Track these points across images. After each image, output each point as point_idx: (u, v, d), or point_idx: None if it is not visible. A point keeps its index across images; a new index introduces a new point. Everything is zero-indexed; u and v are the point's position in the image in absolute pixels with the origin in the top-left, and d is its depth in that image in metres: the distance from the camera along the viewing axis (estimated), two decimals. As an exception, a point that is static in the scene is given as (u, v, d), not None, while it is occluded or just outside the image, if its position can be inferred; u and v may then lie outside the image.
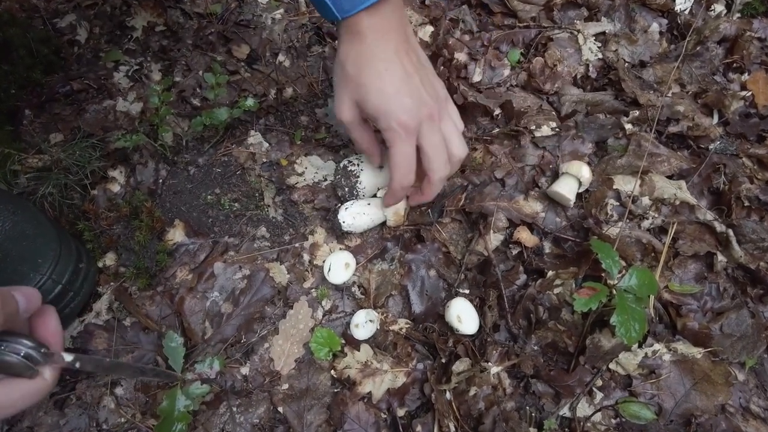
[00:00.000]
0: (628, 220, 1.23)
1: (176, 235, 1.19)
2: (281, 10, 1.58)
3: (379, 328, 1.10)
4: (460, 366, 1.04)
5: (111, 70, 1.41)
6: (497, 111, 1.40)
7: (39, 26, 1.45)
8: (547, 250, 1.21)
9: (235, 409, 1.02)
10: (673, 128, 1.39)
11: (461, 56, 1.49)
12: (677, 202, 1.26)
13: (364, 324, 1.08)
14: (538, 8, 1.59)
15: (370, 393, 1.04)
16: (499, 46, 1.52)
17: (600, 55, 1.52)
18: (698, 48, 1.50)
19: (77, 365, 0.62)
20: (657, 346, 1.12)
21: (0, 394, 0.57)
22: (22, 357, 0.57)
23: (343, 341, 1.09)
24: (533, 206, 1.24)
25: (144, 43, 1.47)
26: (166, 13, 1.51)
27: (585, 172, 1.21)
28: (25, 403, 0.59)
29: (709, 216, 1.25)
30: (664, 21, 1.60)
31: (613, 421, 1.06)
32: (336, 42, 1.49)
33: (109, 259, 1.16)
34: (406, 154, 0.94)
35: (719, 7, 1.67)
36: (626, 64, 1.52)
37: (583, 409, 1.07)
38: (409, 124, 0.90)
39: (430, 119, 0.93)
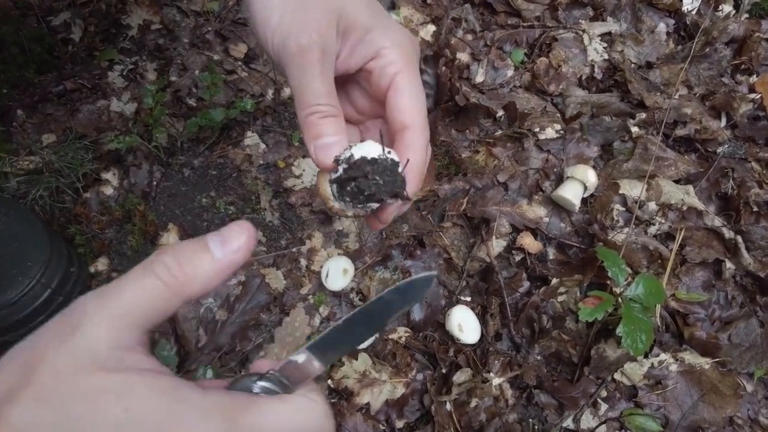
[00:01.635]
0: (634, 226, 1.20)
1: (170, 239, 1.16)
2: (280, 9, 1.55)
3: (378, 336, 1.07)
4: (461, 376, 1.01)
5: (105, 70, 1.38)
6: (500, 112, 1.37)
7: (32, 24, 1.42)
8: (551, 257, 1.18)
9: (229, 419, 0.99)
10: (680, 131, 1.36)
11: (464, 56, 1.45)
12: (684, 208, 1.23)
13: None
14: (543, 7, 1.56)
15: (368, 404, 1.01)
16: (503, 46, 1.49)
17: (605, 56, 1.49)
18: (707, 49, 1.47)
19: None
20: (663, 356, 1.09)
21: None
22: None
23: (341, 350, 1.06)
24: (537, 211, 1.21)
25: (139, 41, 1.44)
26: (162, 11, 1.47)
27: (591, 176, 1.18)
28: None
29: (717, 222, 1.22)
30: (671, 21, 1.57)
31: (619, 433, 1.03)
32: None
33: (101, 264, 1.13)
34: (421, 86, 0.54)
35: (727, 8, 1.63)
36: (632, 65, 1.48)
37: (588, 420, 1.04)
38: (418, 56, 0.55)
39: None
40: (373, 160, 0.44)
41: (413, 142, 0.49)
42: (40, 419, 0.29)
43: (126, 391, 0.31)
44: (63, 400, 0.30)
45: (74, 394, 0.30)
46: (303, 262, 1.16)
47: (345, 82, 0.56)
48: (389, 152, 0.46)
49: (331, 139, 0.47)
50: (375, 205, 0.46)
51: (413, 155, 0.48)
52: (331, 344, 0.45)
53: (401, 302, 0.45)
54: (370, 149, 0.46)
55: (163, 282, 0.35)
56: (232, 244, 0.37)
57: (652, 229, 1.21)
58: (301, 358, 0.43)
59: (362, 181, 0.44)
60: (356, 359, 1.04)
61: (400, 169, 0.46)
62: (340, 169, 0.45)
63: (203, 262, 0.37)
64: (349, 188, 0.44)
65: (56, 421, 0.29)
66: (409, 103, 0.50)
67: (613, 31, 1.53)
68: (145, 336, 0.36)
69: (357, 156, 0.45)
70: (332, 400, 1.03)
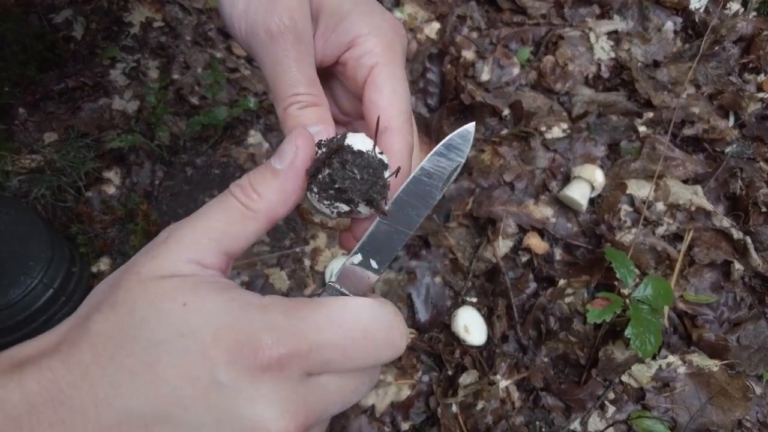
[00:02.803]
0: (642, 227, 1.18)
1: (173, 239, 1.14)
2: (283, 6, 1.53)
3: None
4: (467, 378, 1.00)
5: (107, 68, 1.37)
6: (506, 111, 1.36)
7: (34, 22, 1.41)
8: (557, 257, 1.16)
9: (232, 421, 0.99)
10: (687, 131, 1.35)
11: (469, 54, 1.44)
12: (693, 208, 1.22)
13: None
14: (548, 5, 1.54)
15: (373, 406, 0.99)
16: (508, 44, 1.47)
17: (612, 54, 1.47)
18: (716, 48, 1.45)
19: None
20: (671, 358, 1.08)
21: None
22: None
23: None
24: (544, 211, 1.20)
25: (141, 39, 1.43)
26: (164, 8, 1.46)
27: (598, 176, 1.16)
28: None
29: (726, 222, 1.20)
30: (679, 19, 1.55)
31: (626, 436, 1.02)
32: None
33: (104, 264, 1.12)
34: (405, 81, 0.48)
35: (735, 6, 1.62)
36: (639, 63, 1.47)
37: (595, 423, 1.03)
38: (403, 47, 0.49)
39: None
40: (359, 152, 0.38)
41: (392, 146, 0.42)
42: (113, 324, 0.31)
43: (186, 289, 0.32)
44: (134, 305, 0.31)
45: (144, 298, 0.32)
46: (307, 262, 1.15)
47: (326, 77, 0.49)
48: (381, 153, 0.40)
49: (315, 129, 0.41)
50: (344, 208, 0.39)
51: (394, 163, 0.41)
52: (382, 237, 0.40)
53: (445, 166, 0.40)
54: (361, 141, 0.39)
55: (240, 201, 0.36)
56: (287, 153, 0.37)
57: (660, 230, 1.20)
58: (356, 259, 0.40)
59: (337, 170, 0.37)
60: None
61: (385, 174, 0.39)
62: (319, 153, 0.39)
63: (269, 177, 0.37)
64: (320, 176, 0.38)
65: (126, 324, 0.31)
66: (389, 100, 0.43)
67: (619, 30, 1.51)
68: (226, 263, 0.36)
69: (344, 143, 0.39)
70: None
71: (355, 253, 0.41)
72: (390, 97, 0.43)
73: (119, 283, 0.32)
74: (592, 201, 1.22)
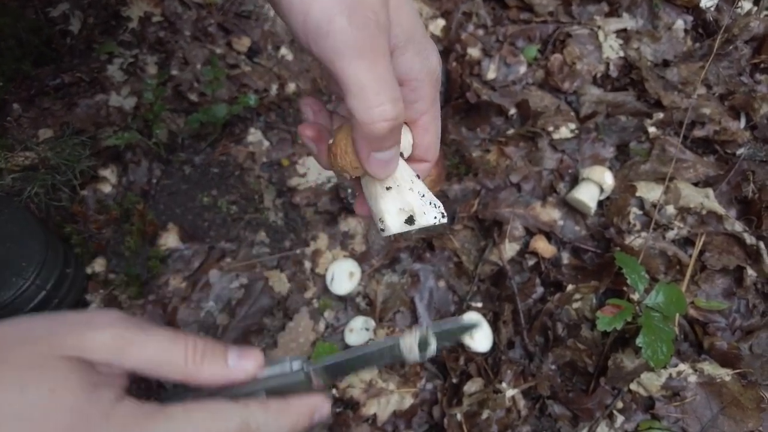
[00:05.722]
0: (652, 231, 1.15)
1: (169, 239, 1.11)
2: (285, 2, 1.50)
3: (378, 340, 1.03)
4: (472, 387, 0.97)
5: (104, 63, 1.34)
6: (512, 110, 1.32)
7: (30, 15, 1.38)
8: (565, 261, 1.13)
9: (229, 428, 0.96)
10: (698, 132, 1.31)
11: (474, 52, 1.41)
12: (704, 212, 1.18)
13: (359, 330, 1.03)
14: (556, 2, 1.51)
15: (375, 415, 0.97)
16: (515, 42, 1.44)
17: (621, 53, 1.44)
18: (729, 47, 1.42)
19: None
20: (682, 367, 1.05)
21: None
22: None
23: (347, 357, 1.02)
24: (551, 213, 1.17)
25: (140, 34, 1.40)
26: (163, 2, 1.43)
27: (608, 178, 1.13)
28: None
29: (738, 227, 1.17)
30: (689, 18, 1.52)
31: (635, 447, 0.99)
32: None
33: (98, 265, 1.09)
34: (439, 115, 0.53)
35: (747, 5, 1.58)
36: (649, 63, 1.43)
37: (603, 433, 1.00)
38: None
39: None
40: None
41: (427, 174, 0.51)
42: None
43: (64, 377, 0.35)
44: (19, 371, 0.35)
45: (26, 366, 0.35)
46: (307, 264, 1.12)
47: None
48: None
49: (392, 153, 0.43)
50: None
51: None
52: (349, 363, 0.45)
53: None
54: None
55: (184, 355, 0.39)
56: (246, 364, 0.42)
57: (671, 234, 1.17)
58: (296, 365, 0.44)
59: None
60: (362, 367, 1.00)
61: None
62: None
63: (220, 364, 0.41)
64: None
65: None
66: (432, 141, 0.48)
67: (628, 28, 1.48)
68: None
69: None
70: (337, 410, 0.99)
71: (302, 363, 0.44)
72: (433, 137, 0.49)
73: (39, 335, 0.35)
74: (600, 203, 1.19)
